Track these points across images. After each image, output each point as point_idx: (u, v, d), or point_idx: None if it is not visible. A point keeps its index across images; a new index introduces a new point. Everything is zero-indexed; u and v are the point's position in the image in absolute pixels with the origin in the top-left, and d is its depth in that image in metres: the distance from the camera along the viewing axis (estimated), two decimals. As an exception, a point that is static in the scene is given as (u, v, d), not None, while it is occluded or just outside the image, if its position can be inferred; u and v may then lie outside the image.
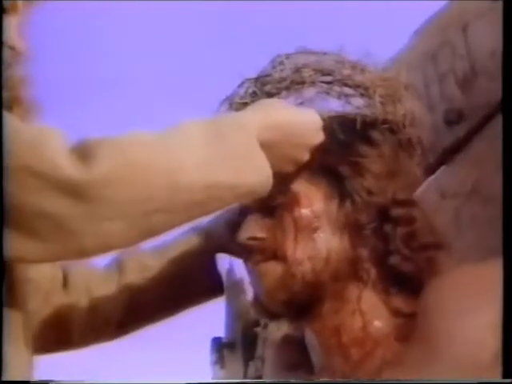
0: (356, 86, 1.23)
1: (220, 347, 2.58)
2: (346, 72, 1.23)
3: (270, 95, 1.22)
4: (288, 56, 1.26)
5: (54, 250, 0.96)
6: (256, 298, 1.25)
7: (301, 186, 1.22)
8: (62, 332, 1.29)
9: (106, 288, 1.30)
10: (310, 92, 1.23)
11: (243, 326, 2.49)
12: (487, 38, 1.56)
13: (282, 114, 1.14)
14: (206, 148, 1.03)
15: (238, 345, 2.49)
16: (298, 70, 1.23)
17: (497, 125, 1.54)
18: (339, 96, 1.23)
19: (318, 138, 1.18)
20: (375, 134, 1.25)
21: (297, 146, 1.15)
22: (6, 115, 0.95)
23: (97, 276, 1.32)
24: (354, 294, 1.22)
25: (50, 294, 1.28)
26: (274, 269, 1.22)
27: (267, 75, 1.24)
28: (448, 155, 1.64)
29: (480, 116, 1.56)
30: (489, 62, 1.54)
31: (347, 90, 1.23)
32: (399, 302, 1.23)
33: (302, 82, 1.21)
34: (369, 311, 1.22)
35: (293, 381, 1.27)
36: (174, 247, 1.35)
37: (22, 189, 0.91)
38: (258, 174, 1.08)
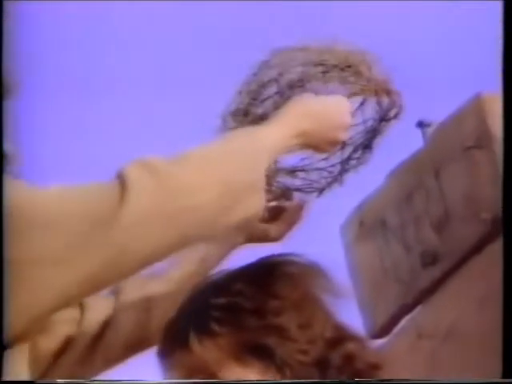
0: (347, 67, 1.31)
1: None
2: (336, 58, 1.30)
3: (271, 97, 1.30)
4: (273, 57, 1.32)
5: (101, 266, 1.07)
6: None
7: (235, 373, 1.17)
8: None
9: (105, 313, 1.33)
10: (319, 85, 1.31)
11: None
12: (460, 182, 1.60)
13: (313, 103, 1.28)
14: (216, 148, 1.18)
15: None
16: (291, 68, 1.30)
17: (472, 266, 1.57)
18: (340, 81, 1.31)
19: (349, 116, 1.30)
20: (279, 286, 1.21)
21: (333, 129, 1.28)
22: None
23: (98, 303, 1.35)
24: None
25: (66, 334, 1.31)
26: None
27: (265, 81, 1.30)
28: (425, 295, 1.66)
29: (455, 258, 1.59)
30: (462, 206, 1.58)
31: (343, 74, 1.31)
32: None
33: (309, 79, 1.29)
34: None
35: (293, 380, 1.20)
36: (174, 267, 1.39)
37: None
38: (250, 172, 1.17)
